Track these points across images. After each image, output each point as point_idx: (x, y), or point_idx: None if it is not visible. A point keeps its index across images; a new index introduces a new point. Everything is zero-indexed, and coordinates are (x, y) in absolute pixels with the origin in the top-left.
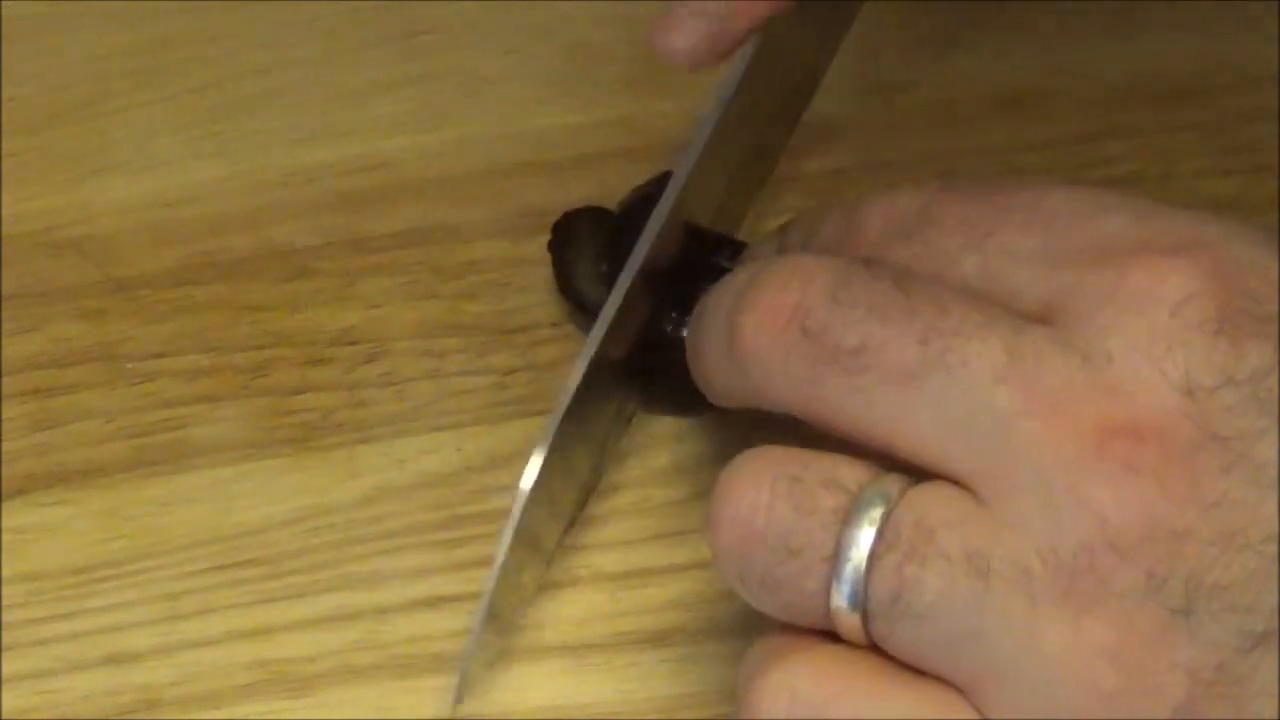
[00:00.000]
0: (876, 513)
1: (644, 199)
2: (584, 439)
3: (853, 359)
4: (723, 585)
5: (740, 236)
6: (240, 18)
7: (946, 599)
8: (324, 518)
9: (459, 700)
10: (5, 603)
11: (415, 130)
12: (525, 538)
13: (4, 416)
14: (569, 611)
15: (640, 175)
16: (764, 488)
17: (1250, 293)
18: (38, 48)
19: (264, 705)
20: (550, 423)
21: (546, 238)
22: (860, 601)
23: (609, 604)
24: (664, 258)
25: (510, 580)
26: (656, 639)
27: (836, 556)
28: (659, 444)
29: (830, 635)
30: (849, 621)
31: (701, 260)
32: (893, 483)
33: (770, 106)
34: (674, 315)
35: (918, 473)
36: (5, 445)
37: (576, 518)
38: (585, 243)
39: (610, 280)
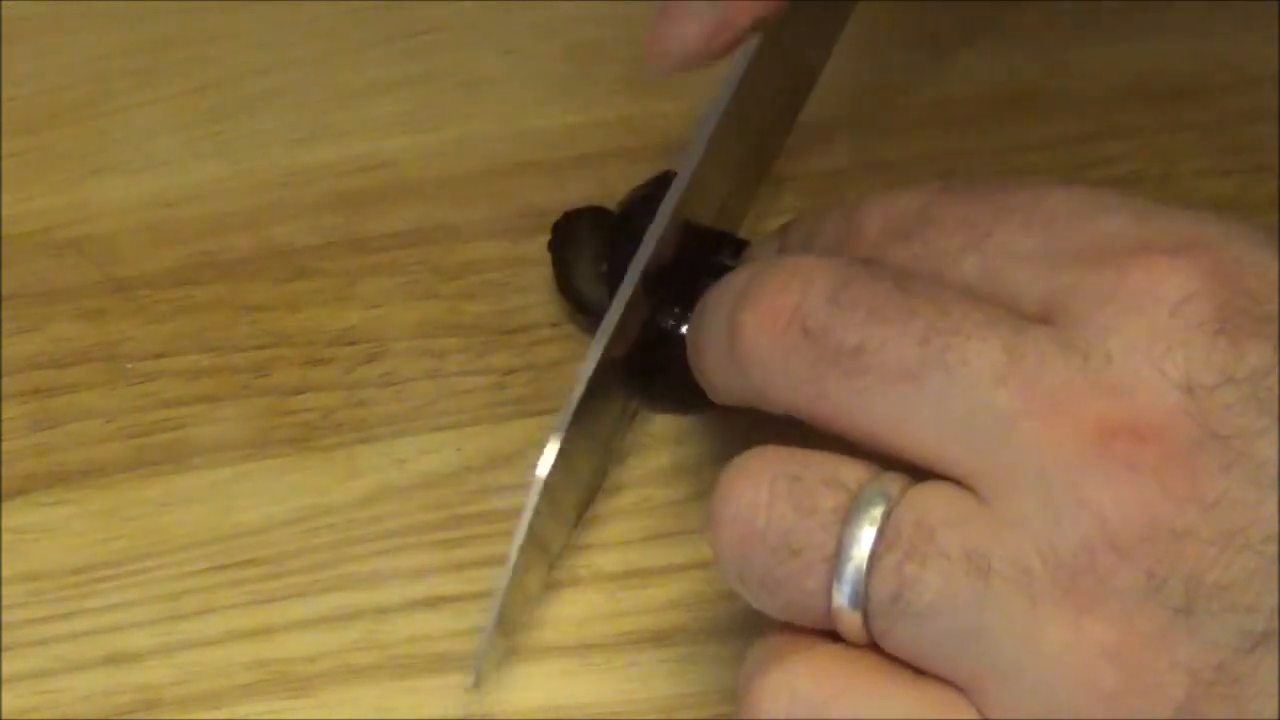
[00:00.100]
0: (877, 512)
1: (644, 199)
2: (588, 439)
3: (853, 359)
4: (723, 585)
5: (741, 236)
6: (240, 18)
7: (947, 598)
8: (324, 518)
9: (475, 688)
10: (5, 603)
11: (415, 130)
12: (532, 538)
13: (4, 416)
14: (569, 611)
15: (640, 175)
16: (764, 487)
17: (1250, 292)
18: (38, 48)
19: (264, 705)
20: (564, 412)
21: (546, 238)
22: (861, 601)
23: (609, 604)
24: (666, 256)
25: (518, 578)
26: (656, 639)
27: (837, 556)
28: (659, 444)
29: (831, 635)
30: (850, 621)
31: (703, 258)
32: (893, 482)
33: (769, 105)
34: (676, 313)
35: (918, 472)
36: (5, 445)
37: (581, 518)
38: (585, 243)
39: (610, 280)
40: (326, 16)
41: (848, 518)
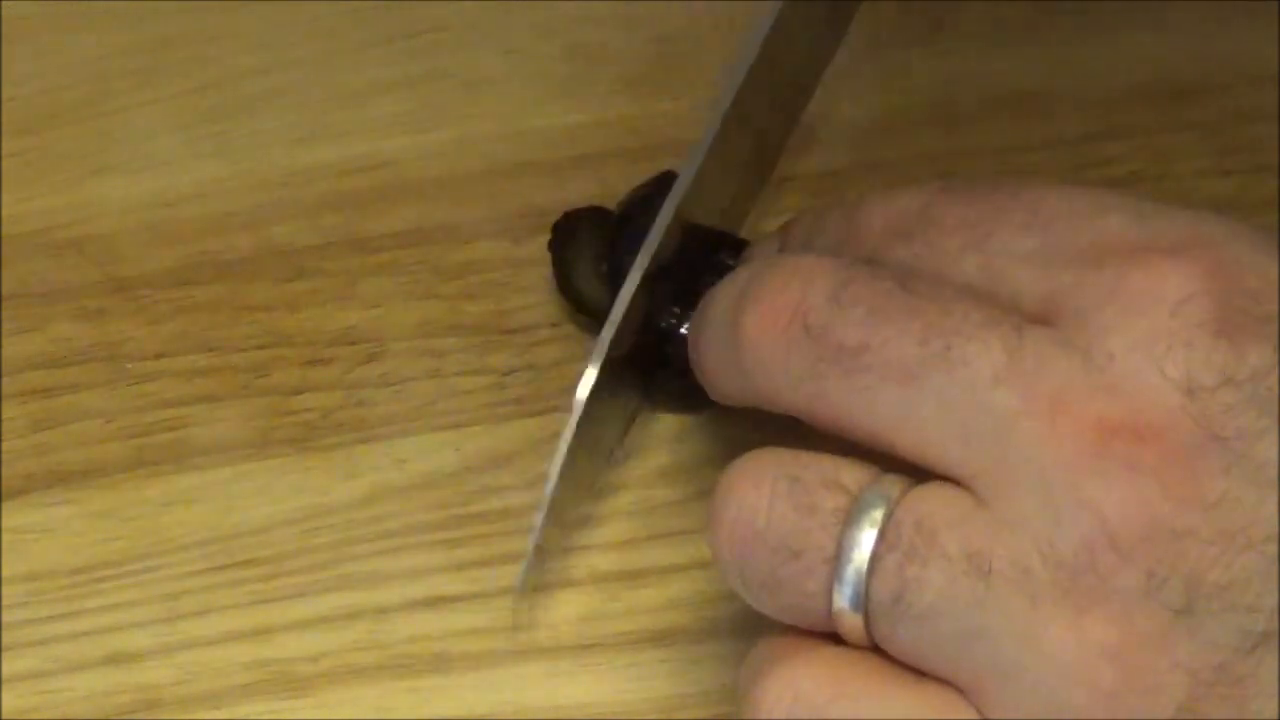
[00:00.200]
0: (877, 513)
1: (644, 199)
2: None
3: (854, 358)
4: (723, 585)
5: (741, 236)
6: (240, 18)
7: (947, 599)
8: (324, 518)
9: (523, 589)
10: (5, 603)
11: (415, 130)
12: (585, 437)
13: (4, 416)
14: (569, 611)
15: (640, 175)
16: (765, 489)
17: (1250, 292)
18: (38, 48)
19: (264, 705)
20: (599, 342)
21: (546, 238)
22: (862, 602)
23: (609, 604)
24: (667, 255)
25: (569, 476)
26: (656, 639)
27: (838, 558)
28: (659, 444)
29: (831, 636)
30: (851, 622)
31: (703, 258)
32: (893, 483)
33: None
34: (676, 312)
35: (919, 474)
36: (5, 445)
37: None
38: (585, 243)
39: (610, 280)
40: (326, 16)
41: (848, 519)
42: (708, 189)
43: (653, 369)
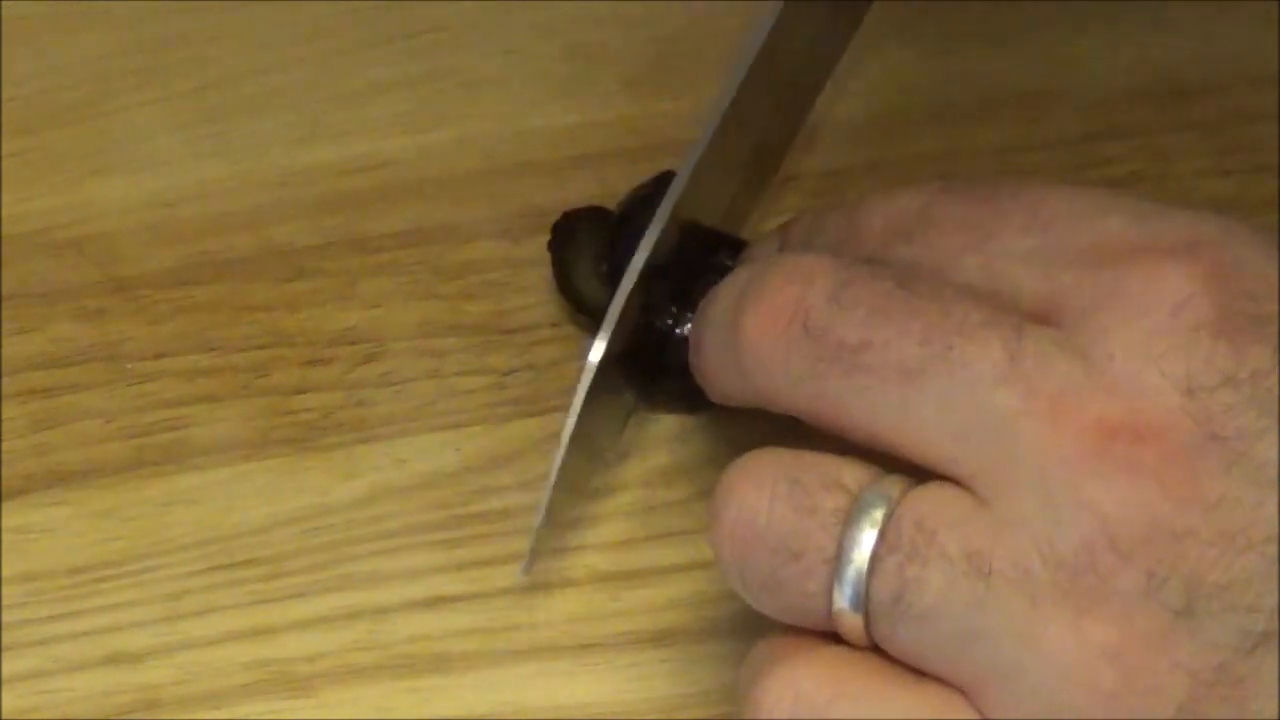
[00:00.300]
0: (878, 514)
1: (644, 199)
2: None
3: (854, 358)
4: (723, 585)
5: (741, 236)
6: (240, 18)
7: (948, 600)
8: (324, 518)
9: (528, 570)
10: (5, 603)
11: (415, 130)
12: (581, 427)
13: (4, 416)
14: (569, 611)
15: (640, 175)
16: (765, 489)
17: (1250, 293)
18: (38, 48)
19: (264, 705)
20: (608, 314)
21: (546, 238)
22: (862, 603)
23: (609, 604)
24: (665, 256)
25: (580, 447)
26: (656, 639)
27: (838, 558)
28: (659, 444)
29: (832, 636)
30: (851, 623)
31: (702, 258)
32: (894, 484)
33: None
34: (675, 313)
35: (919, 474)
36: (5, 445)
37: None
38: (585, 243)
39: (610, 280)
40: (326, 16)
41: (848, 520)
42: (707, 189)
43: (652, 370)
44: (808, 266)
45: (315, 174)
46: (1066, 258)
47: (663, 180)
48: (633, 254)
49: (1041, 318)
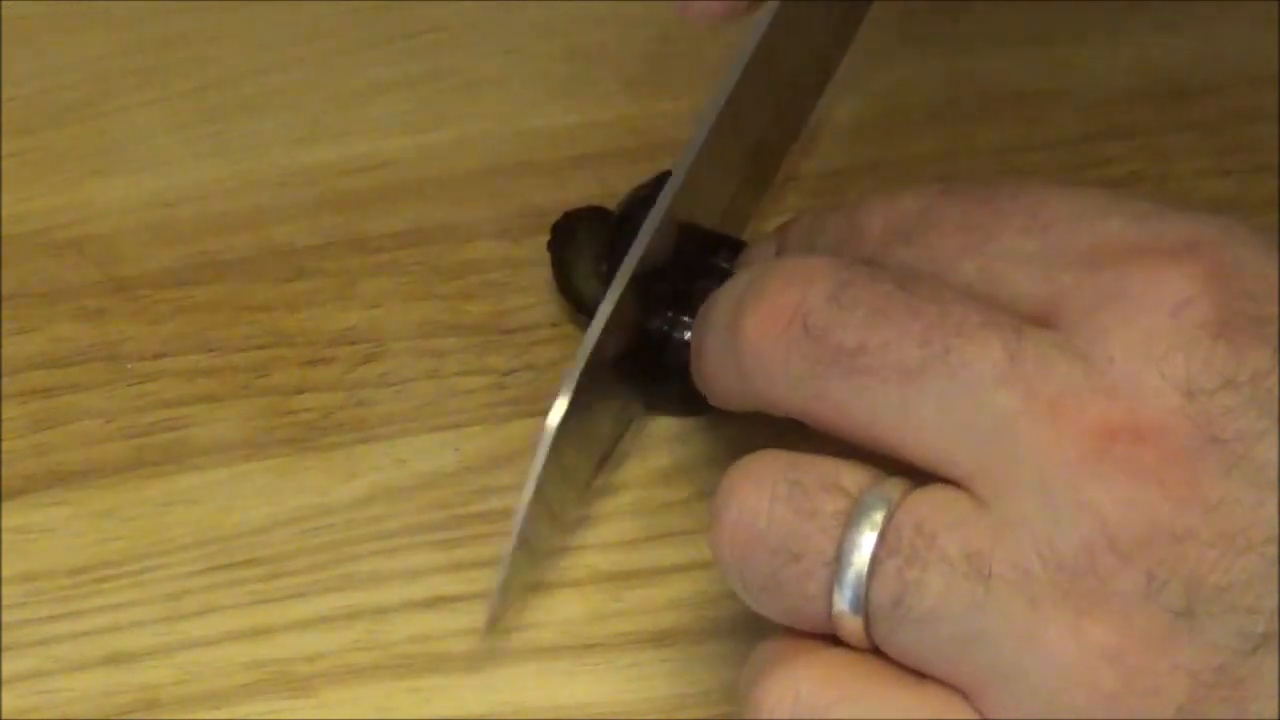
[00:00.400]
0: (878, 516)
1: (644, 199)
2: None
3: (854, 359)
4: (724, 586)
5: (743, 237)
6: (240, 18)
7: (947, 602)
8: (324, 518)
9: (489, 628)
10: (5, 603)
11: (415, 130)
12: (540, 497)
13: (4, 416)
14: (569, 611)
15: (640, 175)
16: (765, 491)
17: (1249, 294)
18: (38, 48)
19: (264, 705)
20: (574, 365)
21: (546, 238)
22: (862, 605)
23: (609, 604)
24: (662, 257)
25: (543, 509)
26: (657, 639)
27: (838, 560)
28: (659, 444)
29: (832, 638)
30: (851, 625)
31: (700, 260)
32: (894, 486)
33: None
34: (672, 315)
35: (919, 476)
36: (5, 445)
37: (610, 453)
38: (585, 243)
39: (609, 280)
40: (326, 16)
41: (848, 522)
42: (704, 189)
43: (652, 372)
44: (807, 268)
45: (315, 174)
46: (1066, 259)
47: (663, 180)
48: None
49: (1041, 319)
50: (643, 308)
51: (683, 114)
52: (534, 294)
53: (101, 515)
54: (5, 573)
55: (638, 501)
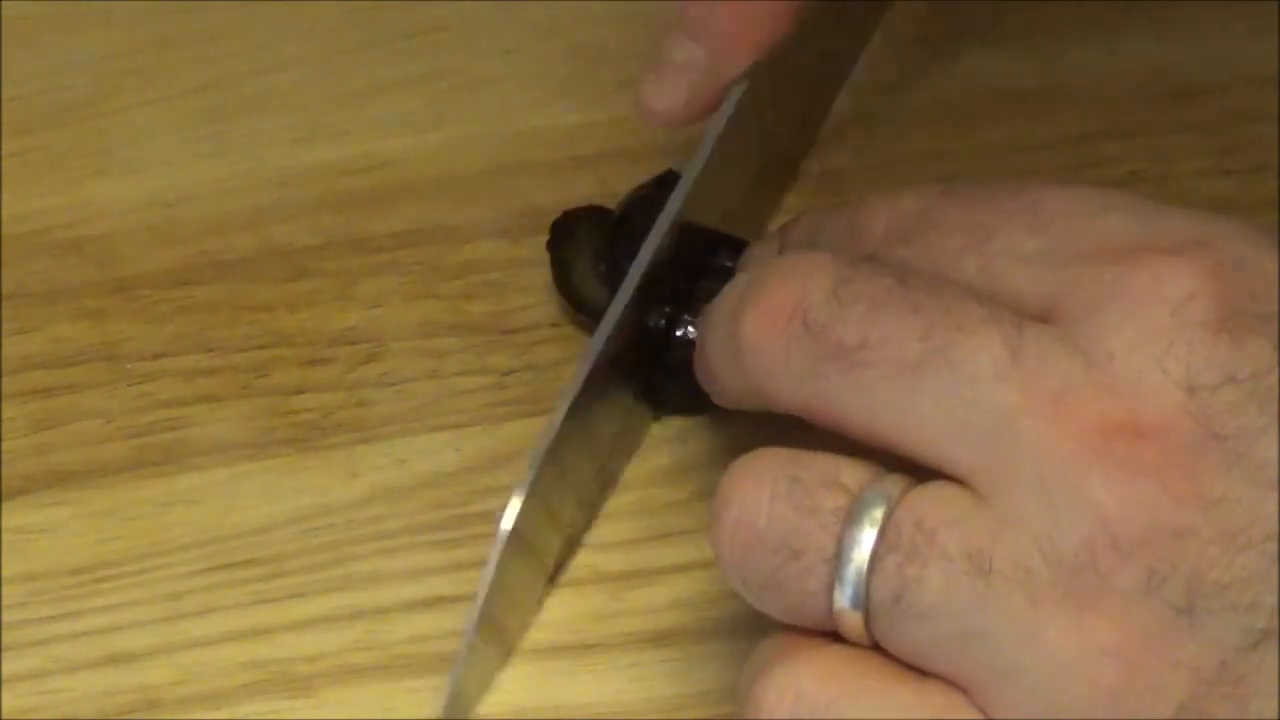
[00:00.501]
0: (878, 513)
1: (644, 199)
2: (586, 444)
3: (854, 355)
4: (724, 585)
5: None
6: (240, 18)
7: (948, 599)
8: (324, 518)
9: (449, 712)
10: (5, 603)
11: (415, 130)
12: (521, 547)
13: (4, 416)
14: (569, 611)
15: (640, 175)
16: (765, 489)
17: (1250, 292)
18: (38, 48)
19: (264, 705)
20: (549, 425)
21: (546, 238)
22: (862, 602)
23: (610, 604)
24: (665, 257)
25: (506, 594)
26: (657, 639)
27: (838, 557)
28: (660, 444)
29: (833, 636)
30: (851, 622)
31: (702, 259)
32: (894, 483)
33: (786, 109)
34: (675, 314)
35: (920, 473)
36: (5, 445)
37: (580, 537)
38: (585, 243)
39: (609, 280)
40: (326, 16)
41: (848, 519)
42: (710, 192)
43: (653, 371)
44: (808, 264)
45: (315, 174)
46: (1067, 257)
47: (663, 180)
48: (631, 255)
49: (1042, 316)
50: (644, 307)
51: None
52: (534, 294)
53: (101, 515)
54: (5, 573)
55: (638, 501)
